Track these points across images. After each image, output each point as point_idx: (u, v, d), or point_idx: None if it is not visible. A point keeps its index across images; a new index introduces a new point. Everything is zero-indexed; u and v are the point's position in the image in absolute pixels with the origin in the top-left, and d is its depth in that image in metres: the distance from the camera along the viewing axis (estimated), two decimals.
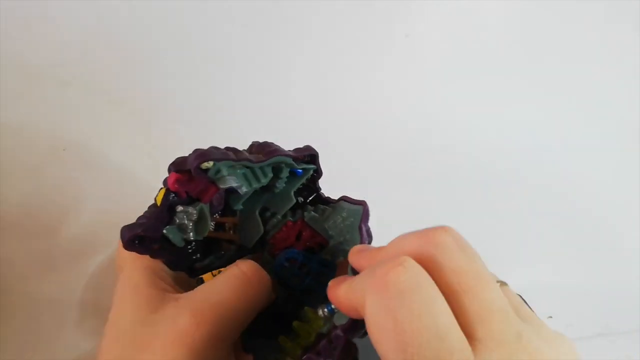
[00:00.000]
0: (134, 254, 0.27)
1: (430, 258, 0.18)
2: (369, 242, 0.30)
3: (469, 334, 0.17)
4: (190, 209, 0.27)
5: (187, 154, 0.28)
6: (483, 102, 0.59)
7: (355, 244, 0.30)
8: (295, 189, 0.32)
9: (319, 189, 0.33)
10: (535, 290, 0.71)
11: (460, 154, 0.61)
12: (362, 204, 0.31)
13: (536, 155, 0.63)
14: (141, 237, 0.26)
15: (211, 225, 0.28)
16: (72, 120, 0.48)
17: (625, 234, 0.70)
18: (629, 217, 0.69)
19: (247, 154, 0.29)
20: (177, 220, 0.27)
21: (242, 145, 0.31)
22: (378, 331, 0.17)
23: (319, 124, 0.55)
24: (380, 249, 0.22)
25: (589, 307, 0.75)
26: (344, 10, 0.52)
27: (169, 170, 0.28)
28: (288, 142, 0.55)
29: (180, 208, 0.27)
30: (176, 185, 0.27)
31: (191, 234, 0.27)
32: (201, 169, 0.26)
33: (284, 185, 0.31)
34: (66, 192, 0.50)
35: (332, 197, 0.33)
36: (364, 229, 0.30)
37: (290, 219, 0.32)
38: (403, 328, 0.16)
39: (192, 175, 0.27)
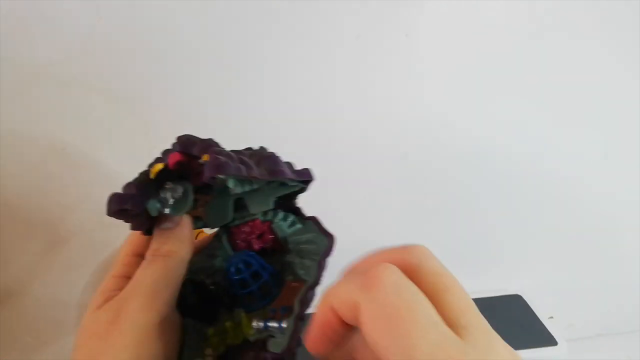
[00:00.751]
0: (121, 257, 0.29)
1: (413, 264, 0.21)
2: (322, 276, 0.30)
3: (453, 325, 0.19)
4: (178, 187, 0.27)
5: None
6: (482, 101, 0.59)
7: (307, 272, 0.31)
8: (277, 197, 0.32)
9: (295, 201, 0.33)
10: (537, 291, 0.72)
11: (460, 153, 0.61)
12: (330, 237, 0.31)
13: (537, 156, 0.63)
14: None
15: (190, 205, 0.29)
16: (71, 119, 0.48)
17: (626, 235, 0.70)
18: (630, 218, 0.69)
19: (251, 162, 0.28)
20: (161, 194, 0.27)
21: (242, 143, 0.31)
22: (380, 326, 0.19)
23: (318, 123, 0.55)
24: (360, 262, 0.24)
25: (590, 308, 0.75)
26: (344, 10, 0.52)
27: (173, 147, 0.28)
28: (287, 142, 0.55)
29: (169, 185, 0.27)
30: (176, 167, 0.27)
31: (168, 209, 0.27)
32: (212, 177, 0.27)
33: (268, 190, 0.31)
34: (66, 192, 0.50)
35: (303, 211, 0.33)
36: (324, 264, 0.30)
37: (261, 217, 0.32)
38: (403, 318, 0.18)
39: (192, 158, 0.27)
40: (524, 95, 0.60)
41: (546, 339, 0.62)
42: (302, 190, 0.32)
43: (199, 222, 0.31)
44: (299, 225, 0.32)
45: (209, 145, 0.27)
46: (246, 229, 0.32)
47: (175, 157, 0.27)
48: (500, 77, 0.59)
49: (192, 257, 0.30)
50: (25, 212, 0.49)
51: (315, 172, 0.33)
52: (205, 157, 0.27)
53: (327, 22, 0.53)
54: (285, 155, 0.31)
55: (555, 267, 0.73)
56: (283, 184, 0.31)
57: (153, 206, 0.27)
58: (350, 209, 0.60)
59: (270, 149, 0.32)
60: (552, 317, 0.70)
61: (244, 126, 0.53)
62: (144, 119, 0.51)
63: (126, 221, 0.27)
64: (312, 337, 0.23)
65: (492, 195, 0.64)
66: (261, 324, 0.28)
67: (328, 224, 0.32)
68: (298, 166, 0.31)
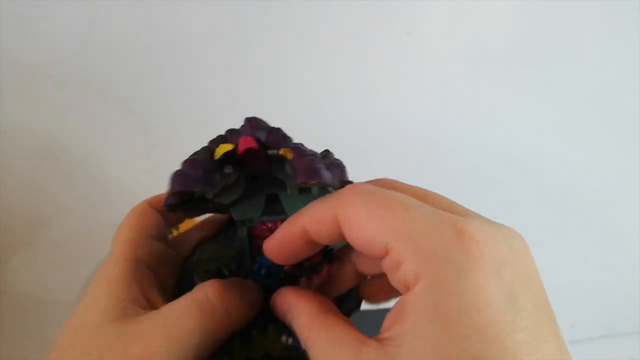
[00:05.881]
0: (128, 238, 0.24)
1: (386, 185, 0.21)
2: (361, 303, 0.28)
3: None
4: (233, 173, 0.24)
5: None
6: (483, 99, 0.59)
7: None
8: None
9: None
10: None
11: (460, 150, 0.61)
12: None
13: (539, 155, 0.63)
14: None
15: (237, 196, 0.25)
16: (68, 120, 0.48)
17: (630, 235, 0.70)
18: (634, 218, 0.69)
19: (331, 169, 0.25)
20: (215, 178, 0.24)
21: None
22: (365, 223, 0.18)
23: (320, 121, 0.55)
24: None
25: (593, 309, 0.74)
26: (346, 9, 0.52)
27: (242, 129, 0.25)
28: None
29: (229, 169, 0.24)
30: (244, 154, 0.24)
31: (211, 195, 0.23)
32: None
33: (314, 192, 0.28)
34: (63, 192, 0.50)
35: None
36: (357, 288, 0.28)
37: None
38: (389, 203, 0.18)
39: (263, 147, 0.24)
40: (525, 91, 0.60)
41: None
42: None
43: (220, 209, 0.28)
44: None
45: (285, 137, 0.25)
46: (272, 226, 0.28)
47: (249, 143, 0.24)
48: (501, 73, 0.58)
49: (203, 246, 0.28)
50: (23, 212, 0.49)
51: None
52: (285, 152, 0.24)
53: (328, 21, 0.52)
54: None
55: (557, 267, 0.72)
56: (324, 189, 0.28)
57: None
58: None
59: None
60: None
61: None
62: (142, 120, 0.50)
63: (172, 203, 0.23)
64: (271, 249, 0.22)
65: (490, 193, 0.64)
66: (290, 340, 0.25)
67: None
68: None
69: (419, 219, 0.17)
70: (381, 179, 0.22)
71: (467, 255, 0.16)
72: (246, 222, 0.28)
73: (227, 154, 0.24)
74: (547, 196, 0.66)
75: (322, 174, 0.22)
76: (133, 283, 0.22)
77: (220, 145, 0.24)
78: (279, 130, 0.25)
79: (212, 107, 0.52)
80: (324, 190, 0.26)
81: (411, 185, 0.21)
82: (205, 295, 0.22)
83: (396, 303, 0.18)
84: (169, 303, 0.22)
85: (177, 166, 0.24)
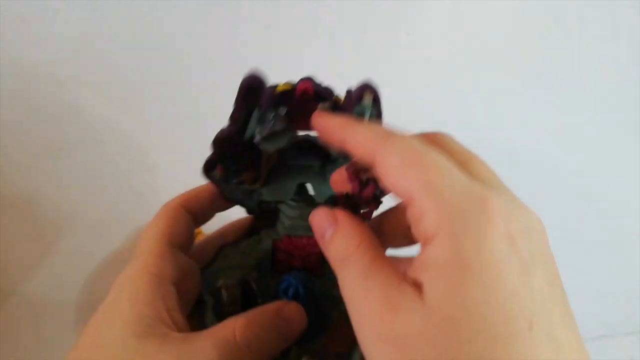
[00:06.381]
0: (155, 248, 0.23)
1: (437, 140, 0.21)
2: None
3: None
4: (283, 120, 0.25)
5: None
6: (483, 98, 0.59)
7: None
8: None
9: None
10: None
11: None
12: None
13: (537, 154, 0.63)
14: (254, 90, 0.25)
15: (282, 144, 0.26)
16: (69, 119, 0.48)
17: (629, 234, 0.70)
18: (633, 218, 0.69)
19: None
20: (268, 116, 0.25)
21: None
22: (399, 174, 0.18)
23: None
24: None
25: (593, 309, 0.74)
26: (347, 9, 0.52)
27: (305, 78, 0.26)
28: None
29: (282, 111, 0.25)
30: (300, 96, 0.25)
31: (259, 137, 0.24)
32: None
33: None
34: (64, 192, 0.50)
35: None
36: None
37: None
38: (423, 162, 0.18)
39: (317, 97, 0.25)
40: (526, 93, 0.60)
41: None
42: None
43: (256, 186, 0.28)
44: None
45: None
46: (297, 243, 0.28)
47: (306, 85, 0.25)
48: (501, 73, 0.59)
49: (225, 251, 0.28)
50: (23, 212, 0.49)
51: None
52: (337, 98, 0.26)
53: (326, 21, 0.52)
54: None
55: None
56: None
57: (254, 123, 0.25)
58: None
59: None
60: None
61: None
62: (143, 119, 0.50)
63: (230, 132, 0.24)
64: (319, 123, 0.23)
65: None
66: None
67: None
68: None
69: (448, 182, 0.17)
70: (435, 133, 0.21)
71: (486, 221, 0.17)
72: (272, 233, 0.29)
73: (284, 94, 0.25)
74: (546, 196, 0.66)
75: (378, 90, 0.23)
76: (158, 300, 0.21)
77: (281, 84, 0.25)
78: (332, 88, 0.26)
79: (212, 107, 0.52)
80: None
81: (461, 147, 0.21)
82: (233, 336, 0.21)
83: (416, 257, 0.18)
84: (196, 333, 0.21)
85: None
